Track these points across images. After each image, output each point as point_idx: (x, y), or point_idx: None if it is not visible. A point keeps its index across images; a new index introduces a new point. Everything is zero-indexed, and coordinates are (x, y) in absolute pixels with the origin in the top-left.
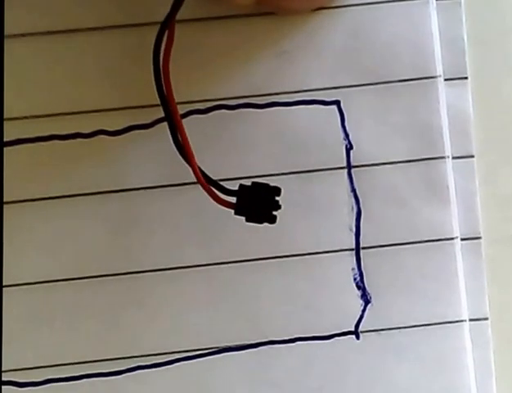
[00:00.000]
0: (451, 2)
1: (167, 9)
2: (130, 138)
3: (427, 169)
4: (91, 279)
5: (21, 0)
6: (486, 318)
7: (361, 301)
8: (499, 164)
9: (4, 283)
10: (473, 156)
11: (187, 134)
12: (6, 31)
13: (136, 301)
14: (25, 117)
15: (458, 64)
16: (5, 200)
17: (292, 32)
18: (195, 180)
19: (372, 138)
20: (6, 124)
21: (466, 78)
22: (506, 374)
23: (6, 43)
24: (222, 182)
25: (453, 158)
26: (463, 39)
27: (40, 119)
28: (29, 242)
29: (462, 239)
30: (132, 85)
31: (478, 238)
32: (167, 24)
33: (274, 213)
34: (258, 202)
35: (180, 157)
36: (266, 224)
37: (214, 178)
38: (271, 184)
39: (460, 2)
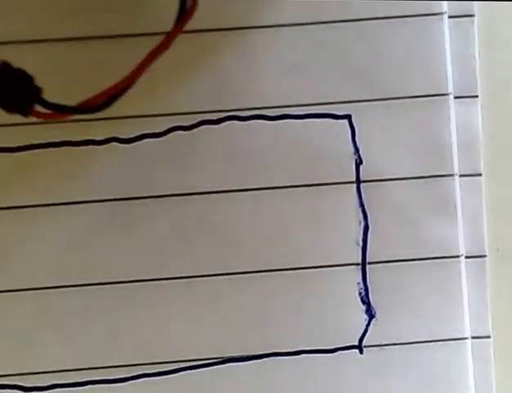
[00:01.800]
0: (464, 19)
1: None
2: (142, 146)
3: (436, 186)
4: (98, 286)
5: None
6: (488, 336)
7: (366, 316)
8: (506, 182)
9: (11, 288)
10: (480, 175)
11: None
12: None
13: (143, 309)
14: (37, 123)
15: (469, 82)
16: (15, 204)
17: (304, 45)
18: None
19: (382, 154)
20: (18, 130)
21: (477, 96)
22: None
23: (15, 48)
24: (229, 194)
25: (461, 176)
26: (474, 57)
27: (51, 125)
28: (38, 247)
29: (467, 257)
30: (144, 93)
31: (483, 256)
32: None
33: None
34: (14, 87)
35: (191, 165)
36: None
37: (222, 188)
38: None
39: (474, 20)
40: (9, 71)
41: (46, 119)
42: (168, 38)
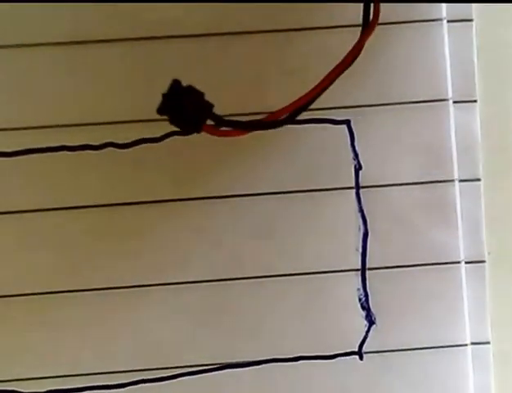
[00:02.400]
0: (463, 24)
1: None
2: (139, 152)
3: (435, 191)
4: (94, 291)
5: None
6: (488, 342)
7: (366, 322)
8: (504, 187)
9: (10, 293)
10: (479, 180)
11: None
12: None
13: (141, 315)
14: (35, 127)
15: (468, 87)
16: (14, 209)
17: (303, 50)
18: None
19: (381, 159)
20: (16, 134)
21: (475, 101)
22: None
23: (14, 53)
24: (233, 199)
25: (460, 181)
26: (473, 62)
27: (50, 129)
28: (36, 251)
29: (466, 262)
30: (142, 98)
31: (483, 262)
32: None
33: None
34: (189, 107)
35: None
36: None
37: (223, 194)
38: None
39: (472, 25)
40: (180, 89)
41: (220, 136)
42: (353, 51)
